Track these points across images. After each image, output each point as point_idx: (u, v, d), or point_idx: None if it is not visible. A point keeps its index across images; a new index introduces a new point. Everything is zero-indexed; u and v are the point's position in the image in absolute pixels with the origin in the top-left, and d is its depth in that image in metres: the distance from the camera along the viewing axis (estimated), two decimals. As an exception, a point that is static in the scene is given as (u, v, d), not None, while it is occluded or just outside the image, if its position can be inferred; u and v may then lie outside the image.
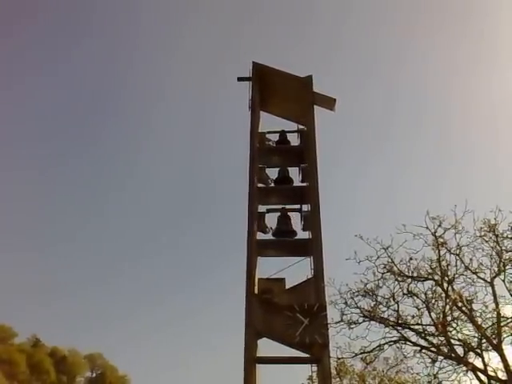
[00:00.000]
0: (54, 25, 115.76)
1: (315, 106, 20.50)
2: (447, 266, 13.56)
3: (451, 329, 13.16)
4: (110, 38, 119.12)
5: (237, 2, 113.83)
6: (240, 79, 20.62)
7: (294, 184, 20.22)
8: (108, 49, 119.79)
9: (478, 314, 13.03)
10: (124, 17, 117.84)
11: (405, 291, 13.59)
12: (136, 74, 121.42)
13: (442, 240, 13.67)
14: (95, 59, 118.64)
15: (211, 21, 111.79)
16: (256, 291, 17.43)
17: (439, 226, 13.68)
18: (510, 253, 13.36)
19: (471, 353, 12.86)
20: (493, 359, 12.69)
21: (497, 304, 13.05)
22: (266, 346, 17.18)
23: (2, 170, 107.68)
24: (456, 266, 13.49)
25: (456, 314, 13.27)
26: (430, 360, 13.21)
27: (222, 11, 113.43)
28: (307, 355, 16.80)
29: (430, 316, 13.31)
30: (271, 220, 19.53)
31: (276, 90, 21.05)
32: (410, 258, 13.65)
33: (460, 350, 12.92)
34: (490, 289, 13.25)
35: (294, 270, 18.26)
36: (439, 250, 13.67)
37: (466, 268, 13.44)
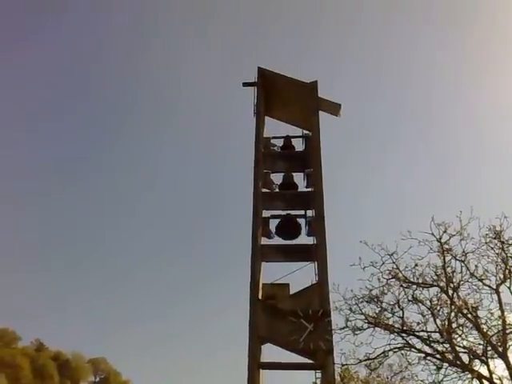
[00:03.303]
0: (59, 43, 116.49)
1: (320, 111, 20.49)
2: (452, 272, 13.53)
3: (456, 336, 13.11)
4: (120, 47, 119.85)
5: (243, 9, 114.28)
6: (245, 84, 20.62)
7: (299, 189, 20.19)
8: (119, 57, 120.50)
9: (483, 322, 12.99)
10: (133, 27, 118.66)
11: (410, 298, 13.57)
12: (143, 78, 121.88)
13: (447, 246, 13.65)
14: (106, 67, 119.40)
15: (218, 27, 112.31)
16: (260, 297, 17.40)
17: (444, 232, 13.67)
18: (515, 260, 13.31)
19: (476, 360, 12.81)
20: (498, 367, 12.66)
21: (502, 311, 13.00)
22: (270, 352, 17.15)
23: (7, 178, 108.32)
24: (461, 272, 13.48)
25: (461, 321, 13.23)
26: (434, 367, 13.18)
27: (229, 18, 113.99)
28: (311, 361, 16.72)
29: (435, 323, 13.27)
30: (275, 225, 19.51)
31: (281, 95, 21.04)
32: (415, 265, 13.63)
33: (465, 358, 12.88)
34: (495, 296, 13.21)
35: (298, 276, 18.24)
36: (444, 257, 13.64)
37: (472, 275, 13.40)
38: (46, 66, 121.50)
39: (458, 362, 12.78)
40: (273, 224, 19.42)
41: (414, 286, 13.62)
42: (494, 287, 13.25)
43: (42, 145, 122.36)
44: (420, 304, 13.50)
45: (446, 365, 13.02)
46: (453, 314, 13.22)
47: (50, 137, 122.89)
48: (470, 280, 13.41)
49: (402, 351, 13.49)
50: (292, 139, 20.96)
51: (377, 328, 13.48)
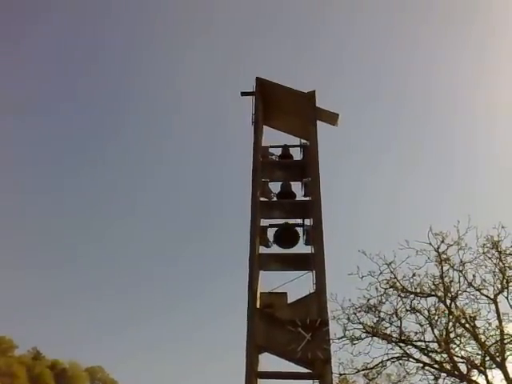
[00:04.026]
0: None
1: (318, 121, 20.56)
2: (450, 282, 13.54)
3: (454, 346, 13.10)
4: (120, 55, 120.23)
5: (242, 19, 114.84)
6: (244, 94, 20.71)
7: (297, 198, 20.21)
8: (118, 63, 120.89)
9: (481, 331, 12.98)
10: (134, 34, 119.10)
11: (408, 307, 13.57)
12: (141, 84, 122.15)
13: (445, 256, 13.67)
14: (104, 73, 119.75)
15: (216, 37, 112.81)
16: (258, 305, 17.36)
17: (442, 242, 13.70)
18: (513, 270, 13.33)
19: (475, 370, 12.78)
20: (496, 377, 12.64)
21: (500, 321, 13.00)
22: (268, 361, 17.09)
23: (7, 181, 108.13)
24: (459, 282, 13.49)
25: (459, 330, 13.23)
26: (432, 377, 13.16)
27: (228, 28, 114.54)
28: (309, 371, 16.67)
29: (433, 333, 13.26)
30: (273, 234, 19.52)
31: (279, 104, 21.12)
32: (413, 274, 13.65)
33: (463, 368, 12.87)
34: (493, 306, 13.21)
35: (296, 285, 18.22)
36: (442, 266, 13.66)
37: (469, 285, 13.42)
38: (45, 63, 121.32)
39: (456, 372, 12.76)
40: (271, 233, 19.46)
41: (412, 296, 13.62)
42: (492, 297, 13.25)
43: (43, 142, 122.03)
44: (418, 314, 13.50)
45: (444, 375, 13.00)
46: (451, 324, 13.22)
47: (50, 135, 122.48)
48: (468, 290, 13.42)
49: (400, 361, 13.47)
50: (290, 148, 21.02)
51: (375, 337, 13.46)
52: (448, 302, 13.37)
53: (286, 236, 19.36)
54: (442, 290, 13.48)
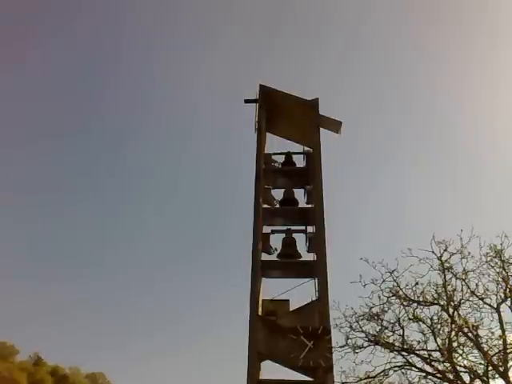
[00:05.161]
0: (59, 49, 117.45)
1: (321, 128, 20.62)
2: (453, 291, 13.49)
3: (457, 355, 13.03)
4: (120, 59, 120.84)
5: (245, 25, 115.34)
6: (247, 101, 20.81)
7: (300, 205, 20.24)
8: (117, 68, 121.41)
9: (484, 341, 12.92)
10: (135, 38, 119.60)
11: (410, 316, 13.51)
12: (142, 89, 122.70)
13: (447, 265, 13.64)
14: (104, 80, 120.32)
15: (220, 44, 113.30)
16: (260, 313, 17.34)
17: (445, 250, 13.66)
18: (516, 279, 13.30)
19: (477, 380, 12.72)
20: (499, 387, 12.57)
21: (503, 330, 12.95)
22: (269, 369, 17.04)
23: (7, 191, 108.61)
24: (462, 291, 13.43)
25: (462, 340, 13.16)
26: (435, 386, 13.08)
27: (232, 34, 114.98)
28: (311, 379, 16.63)
29: (436, 342, 13.20)
30: (276, 241, 19.54)
31: (282, 112, 21.19)
32: (416, 283, 13.60)
33: (466, 377, 12.79)
34: (496, 315, 13.16)
35: (298, 292, 18.19)
36: (445, 275, 13.62)
37: (472, 293, 13.37)
38: (54, 71, 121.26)
39: (459, 382, 12.68)
40: (273, 240, 19.47)
41: (415, 304, 13.58)
42: (495, 306, 13.21)
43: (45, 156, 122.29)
44: (420, 322, 13.44)
45: (446, 384, 12.94)
46: (453, 333, 13.16)
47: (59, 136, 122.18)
48: (471, 299, 13.38)
49: (403, 370, 13.39)
50: (293, 155, 21.07)
51: (377, 346, 13.40)
52: (451, 310, 13.33)
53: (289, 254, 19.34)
54: (445, 298, 13.43)
